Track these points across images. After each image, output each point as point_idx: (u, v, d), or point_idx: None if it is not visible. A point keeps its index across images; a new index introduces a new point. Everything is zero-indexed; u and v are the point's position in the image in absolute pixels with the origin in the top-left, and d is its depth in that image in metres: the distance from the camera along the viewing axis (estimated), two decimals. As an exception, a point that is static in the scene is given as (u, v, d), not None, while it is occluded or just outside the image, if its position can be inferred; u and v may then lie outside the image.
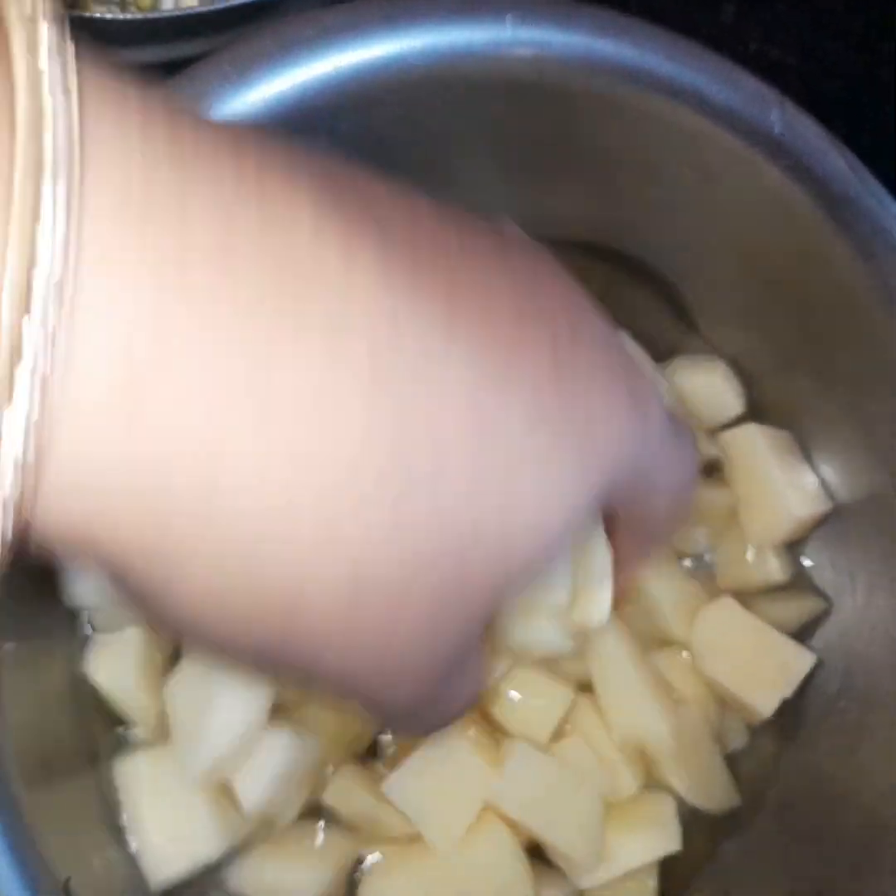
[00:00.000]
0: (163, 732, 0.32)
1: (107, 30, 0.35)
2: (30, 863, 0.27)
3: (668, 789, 0.34)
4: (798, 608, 0.36)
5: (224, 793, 0.32)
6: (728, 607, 0.35)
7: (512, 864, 0.32)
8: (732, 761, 0.36)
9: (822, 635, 0.36)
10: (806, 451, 0.37)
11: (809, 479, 0.36)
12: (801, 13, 0.46)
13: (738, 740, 0.36)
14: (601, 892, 0.34)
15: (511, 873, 0.32)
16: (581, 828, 0.32)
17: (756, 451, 0.35)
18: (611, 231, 0.37)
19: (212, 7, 0.37)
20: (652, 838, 0.34)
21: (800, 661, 0.35)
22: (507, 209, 0.33)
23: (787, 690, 0.34)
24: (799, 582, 0.37)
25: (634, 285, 0.38)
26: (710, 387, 0.38)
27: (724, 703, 0.35)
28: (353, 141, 0.32)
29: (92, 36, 0.33)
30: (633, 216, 0.36)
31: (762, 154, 0.32)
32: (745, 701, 0.34)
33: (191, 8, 0.39)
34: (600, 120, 0.33)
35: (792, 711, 0.35)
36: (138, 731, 0.33)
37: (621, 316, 0.35)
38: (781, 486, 0.35)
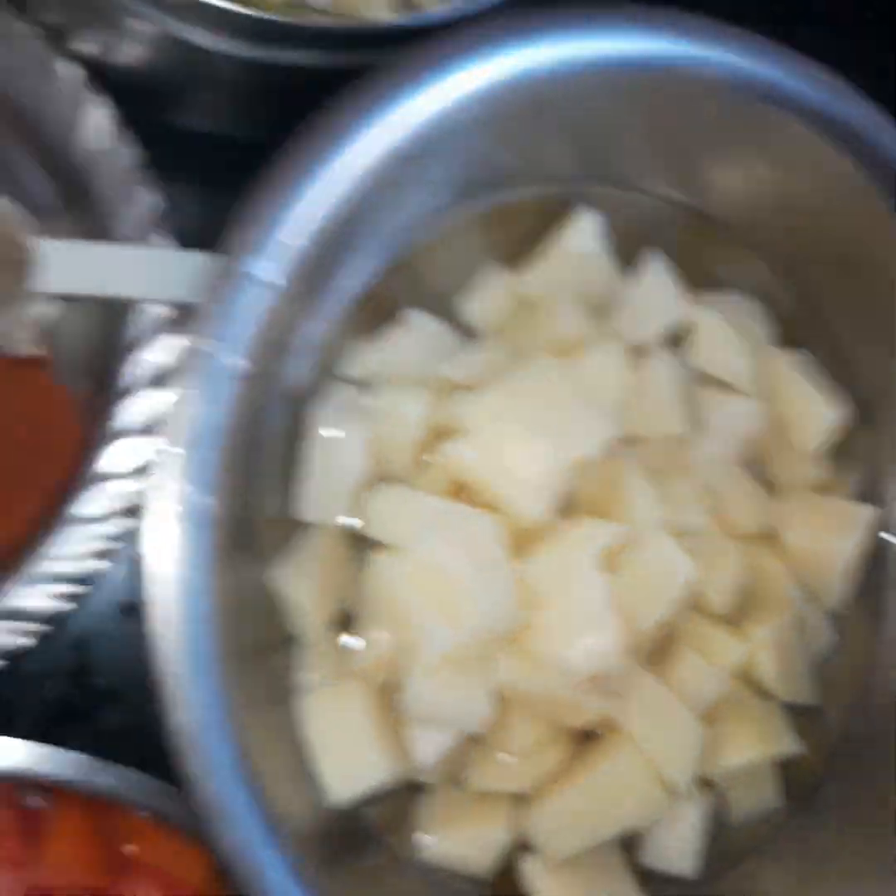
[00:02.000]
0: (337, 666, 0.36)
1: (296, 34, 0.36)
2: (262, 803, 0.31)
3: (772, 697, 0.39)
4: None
5: (395, 728, 0.35)
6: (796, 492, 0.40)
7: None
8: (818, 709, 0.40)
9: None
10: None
11: (831, 392, 0.40)
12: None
13: (824, 638, 0.41)
14: (728, 792, 0.38)
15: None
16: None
17: (785, 373, 0.40)
18: (707, 208, 0.40)
19: (400, 22, 0.39)
20: (762, 738, 0.38)
21: (863, 513, 0.39)
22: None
23: (858, 535, 0.39)
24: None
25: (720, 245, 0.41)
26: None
27: (810, 590, 0.40)
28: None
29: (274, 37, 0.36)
30: (719, 207, 0.40)
31: (825, 138, 0.35)
32: (824, 555, 0.39)
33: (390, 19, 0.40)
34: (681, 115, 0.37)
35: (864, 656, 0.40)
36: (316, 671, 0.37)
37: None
38: (815, 401, 0.40)
